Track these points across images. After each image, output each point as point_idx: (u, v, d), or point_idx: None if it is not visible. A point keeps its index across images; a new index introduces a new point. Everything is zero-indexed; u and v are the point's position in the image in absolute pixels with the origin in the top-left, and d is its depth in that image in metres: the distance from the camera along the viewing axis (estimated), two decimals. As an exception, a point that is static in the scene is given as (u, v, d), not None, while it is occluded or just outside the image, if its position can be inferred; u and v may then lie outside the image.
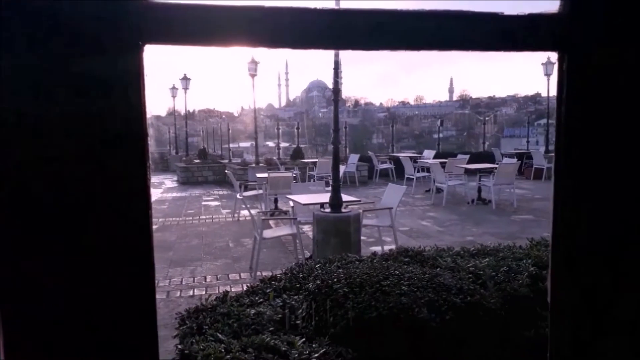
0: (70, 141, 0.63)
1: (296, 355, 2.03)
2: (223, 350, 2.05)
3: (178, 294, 5.04)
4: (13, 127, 0.60)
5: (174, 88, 19.16)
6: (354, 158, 14.28)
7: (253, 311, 2.53)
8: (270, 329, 2.36)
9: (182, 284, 5.36)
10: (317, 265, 3.30)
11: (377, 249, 5.43)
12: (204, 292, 4.89)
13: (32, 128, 0.61)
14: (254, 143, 14.74)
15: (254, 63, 13.95)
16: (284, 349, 2.11)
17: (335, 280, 2.57)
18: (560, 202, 0.65)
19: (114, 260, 0.63)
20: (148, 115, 0.72)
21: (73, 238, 0.60)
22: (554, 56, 0.73)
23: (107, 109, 0.66)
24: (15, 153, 0.60)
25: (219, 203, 10.94)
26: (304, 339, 2.21)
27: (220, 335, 2.20)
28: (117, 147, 0.65)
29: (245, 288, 3.16)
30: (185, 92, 18.17)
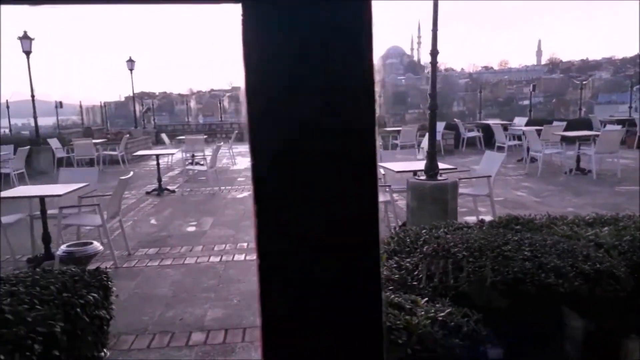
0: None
1: (422, 313, 2.10)
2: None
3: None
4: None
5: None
6: (439, 126, 13.93)
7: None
8: (390, 287, 2.44)
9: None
10: (423, 231, 3.34)
11: (472, 219, 5.33)
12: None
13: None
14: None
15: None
16: (408, 306, 2.18)
17: (452, 244, 2.59)
18: None
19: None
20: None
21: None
22: None
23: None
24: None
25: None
26: (426, 299, 2.27)
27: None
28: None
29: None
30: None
